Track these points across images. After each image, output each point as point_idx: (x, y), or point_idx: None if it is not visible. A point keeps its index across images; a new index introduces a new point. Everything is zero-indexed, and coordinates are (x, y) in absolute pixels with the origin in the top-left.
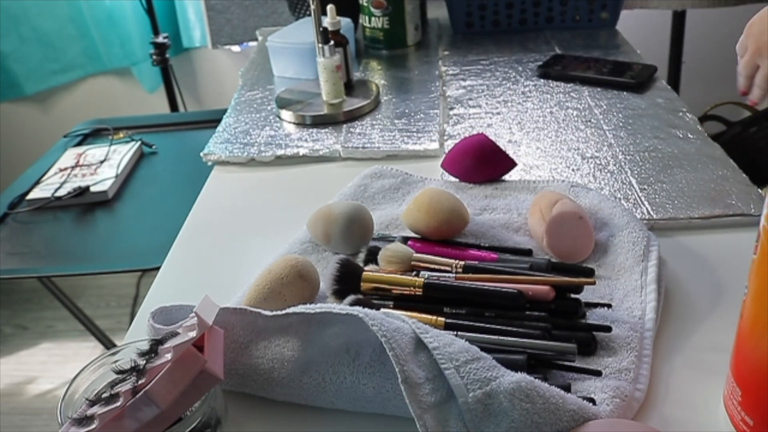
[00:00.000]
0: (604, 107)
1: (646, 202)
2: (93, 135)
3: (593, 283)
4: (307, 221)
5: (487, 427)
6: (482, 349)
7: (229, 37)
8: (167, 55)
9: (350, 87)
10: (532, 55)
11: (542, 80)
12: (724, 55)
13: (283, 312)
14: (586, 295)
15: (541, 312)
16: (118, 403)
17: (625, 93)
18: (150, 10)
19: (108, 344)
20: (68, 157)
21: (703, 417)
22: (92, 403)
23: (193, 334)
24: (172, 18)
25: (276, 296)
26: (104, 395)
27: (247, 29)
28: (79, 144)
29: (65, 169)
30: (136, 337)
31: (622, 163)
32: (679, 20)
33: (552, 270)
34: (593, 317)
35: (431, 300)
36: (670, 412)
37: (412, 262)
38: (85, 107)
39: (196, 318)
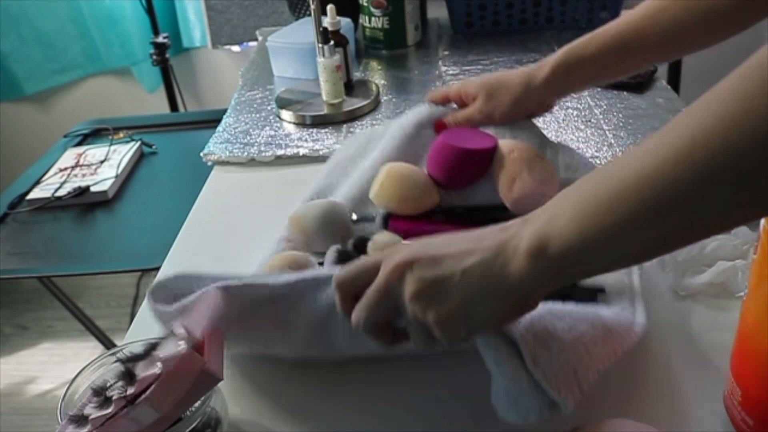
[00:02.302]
0: (604, 107)
1: None
2: (93, 135)
3: None
4: (286, 226)
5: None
6: None
7: (229, 37)
8: (167, 55)
9: (350, 87)
10: (532, 55)
11: None
12: (724, 55)
13: (284, 281)
14: None
15: None
16: (110, 409)
17: (625, 93)
18: (150, 10)
19: (108, 344)
20: (68, 157)
21: (703, 417)
22: (96, 392)
23: (182, 343)
24: (172, 18)
25: None
26: (104, 391)
27: (247, 29)
28: (79, 144)
29: (65, 169)
30: (136, 337)
31: None
32: None
33: None
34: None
35: None
36: (670, 412)
37: None
38: (85, 107)
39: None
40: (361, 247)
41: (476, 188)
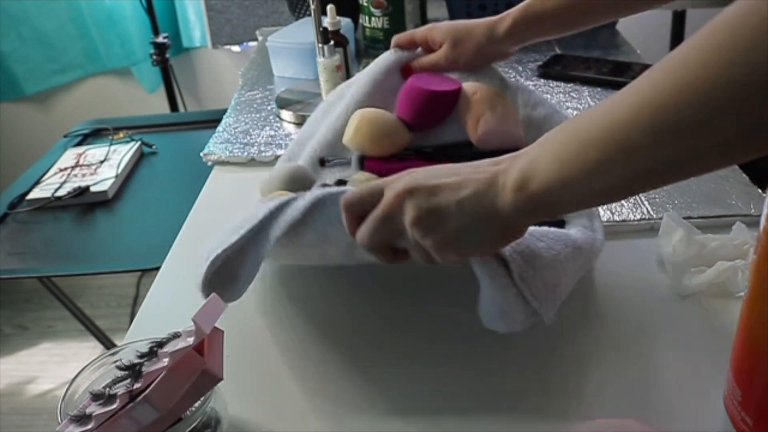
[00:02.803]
0: None
1: (646, 202)
2: (93, 135)
3: None
4: (260, 195)
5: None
6: None
7: (229, 37)
8: (167, 55)
9: None
10: (532, 55)
11: (542, 80)
12: None
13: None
14: None
15: None
16: (115, 405)
17: None
18: (150, 10)
19: (108, 344)
20: (68, 157)
21: (703, 417)
22: (96, 397)
23: (191, 340)
24: (172, 18)
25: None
26: (104, 394)
27: (247, 29)
28: (79, 144)
29: (65, 169)
30: (136, 337)
31: None
32: (679, 20)
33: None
34: None
35: None
36: (670, 412)
37: None
38: (85, 107)
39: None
40: (341, 185)
41: (444, 128)
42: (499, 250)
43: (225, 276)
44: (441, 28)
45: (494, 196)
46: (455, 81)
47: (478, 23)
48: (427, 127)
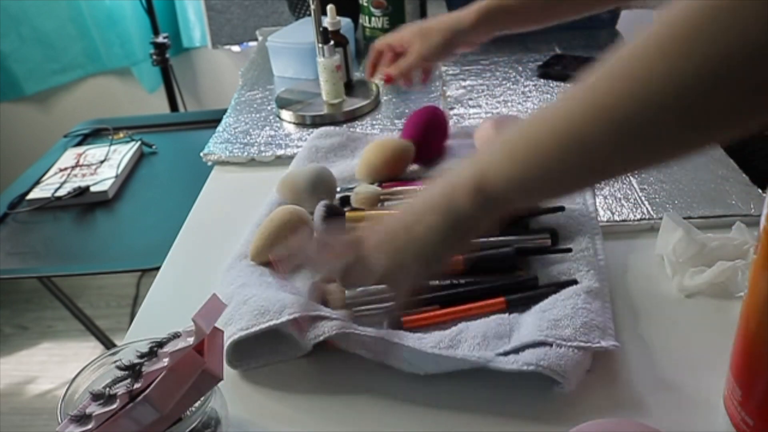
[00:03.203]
0: None
1: (646, 202)
2: (93, 135)
3: None
4: (276, 188)
5: None
6: (474, 248)
7: (229, 37)
8: (167, 55)
9: (350, 87)
10: (532, 55)
11: (542, 80)
12: None
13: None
14: None
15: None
16: (115, 405)
17: None
18: (150, 10)
19: (108, 344)
20: (68, 157)
21: (703, 417)
22: (96, 397)
23: (191, 340)
24: (172, 18)
25: (281, 240)
26: (104, 394)
27: (247, 29)
28: (79, 144)
29: (65, 169)
30: (136, 337)
31: None
32: None
33: None
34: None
35: None
36: (670, 412)
37: (381, 196)
38: (85, 107)
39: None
40: (345, 200)
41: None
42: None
43: (243, 349)
44: (410, 27)
45: (453, 203)
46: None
47: (445, 17)
48: (430, 144)
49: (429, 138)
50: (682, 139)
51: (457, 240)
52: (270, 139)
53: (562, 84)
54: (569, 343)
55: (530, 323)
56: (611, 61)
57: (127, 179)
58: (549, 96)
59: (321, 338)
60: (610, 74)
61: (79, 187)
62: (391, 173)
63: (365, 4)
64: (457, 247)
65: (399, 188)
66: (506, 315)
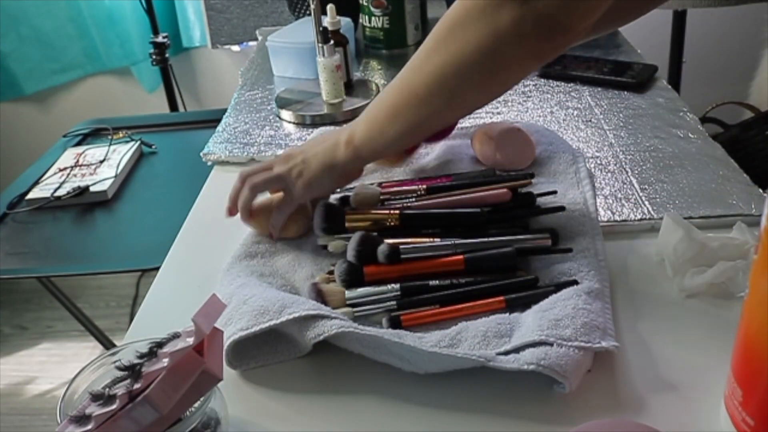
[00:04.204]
0: (605, 107)
1: (647, 202)
2: (92, 135)
3: (533, 177)
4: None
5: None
6: (475, 248)
7: (229, 37)
8: (167, 55)
9: (350, 87)
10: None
11: (542, 80)
12: (724, 55)
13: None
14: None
15: (501, 211)
16: (115, 405)
17: (625, 93)
18: (150, 10)
19: (108, 344)
20: (68, 157)
21: (703, 417)
22: (95, 397)
23: (191, 340)
24: (172, 18)
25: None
26: (103, 394)
27: (246, 29)
28: (79, 144)
29: (65, 169)
30: (136, 337)
31: (623, 163)
32: (679, 20)
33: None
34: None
35: (409, 227)
36: (670, 412)
37: (381, 196)
38: (85, 107)
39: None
40: (344, 199)
41: (460, 162)
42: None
43: (242, 349)
44: None
45: (335, 151)
46: None
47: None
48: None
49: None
50: (449, 108)
51: (336, 177)
52: (270, 139)
53: (563, 84)
54: (570, 343)
55: (531, 323)
56: (418, 52)
57: (126, 179)
58: (549, 96)
59: (321, 338)
60: (411, 64)
61: (79, 187)
62: (394, 158)
63: (365, 3)
64: (336, 182)
65: (399, 188)
66: (506, 314)
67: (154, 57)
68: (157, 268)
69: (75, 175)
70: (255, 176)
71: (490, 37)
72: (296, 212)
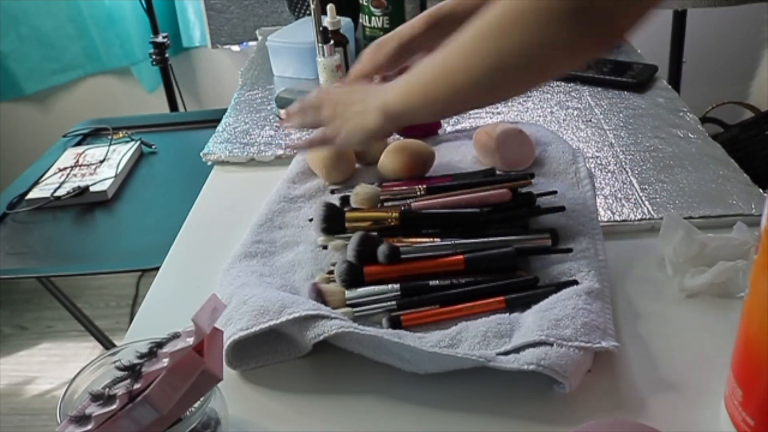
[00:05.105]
0: (605, 107)
1: (647, 202)
2: (92, 135)
3: (533, 177)
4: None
5: None
6: (475, 248)
7: (229, 37)
8: (167, 55)
9: None
10: None
11: None
12: (724, 55)
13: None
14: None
15: (501, 211)
16: (115, 405)
17: (625, 92)
18: (149, 10)
19: (107, 344)
20: (68, 157)
21: (703, 417)
22: (95, 397)
23: (191, 340)
24: (172, 17)
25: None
26: (103, 394)
27: (246, 29)
28: (79, 144)
29: (64, 168)
30: (135, 337)
31: (623, 163)
32: (679, 20)
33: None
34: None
35: (409, 227)
36: (670, 412)
37: (381, 196)
38: (85, 107)
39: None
40: (345, 200)
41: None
42: None
43: (242, 349)
44: (372, 43)
45: (365, 116)
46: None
47: (398, 27)
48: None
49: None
50: (491, 95)
51: (366, 139)
52: (270, 138)
53: (563, 84)
54: (570, 343)
55: (531, 323)
56: (461, 36)
57: (126, 179)
58: (549, 96)
59: (321, 338)
60: (455, 48)
61: (79, 187)
62: (411, 170)
63: (365, 3)
64: (372, 139)
65: (399, 188)
66: (506, 315)
67: (154, 57)
68: (157, 268)
69: (75, 175)
70: (308, 113)
71: (545, 35)
72: (338, 157)
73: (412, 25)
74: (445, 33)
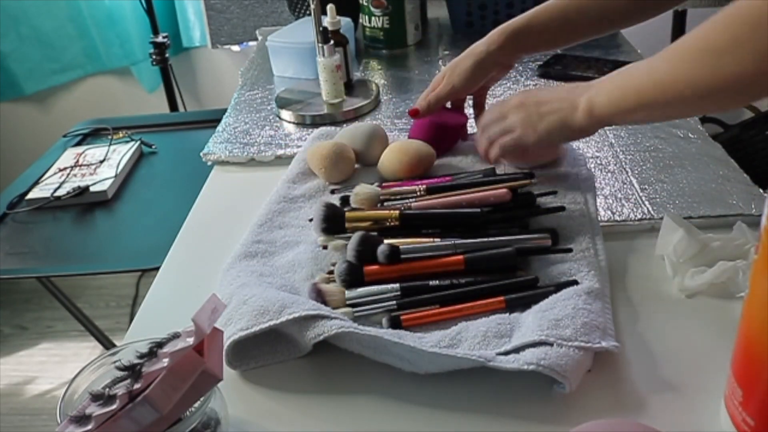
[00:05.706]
0: None
1: (647, 202)
2: (92, 135)
3: (533, 177)
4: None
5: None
6: (475, 248)
7: (229, 37)
8: (167, 55)
9: (350, 87)
10: (533, 54)
11: (542, 80)
12: None
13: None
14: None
15: (501, 211)
16: (115, 405)
17: None
18: (150, 10)
19: (107, 344)
20: (68, 157)
21: (703, 417)
22: (95, 397)
23: (191, 340)
24: (172, 17)
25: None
26: (103, 394)
27: (246, 29)
28: (79, 144)
29: (65, 168)
30: (135, 337)
31: (623, 163)
32: (679, 20)
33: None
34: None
35: (409, 227)
36: (670, 412)
37: (381, 196)
38: (85, 107)
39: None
40: (345, 200)
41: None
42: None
43: (242, 349)
44: (444, 67)
45: (573, 114)
46: (462, 115)
47: (473, 45)
48: (439, 145)
49: (438, 139)
50: (696, 110)
51: (568, 135)
52: (270, 138)
53: (562, 83)
54: (570, 343)
55: (531, 323)
56: (673, 49)
57: (126, 179)
58: None
59: (321, 338)
60: (667, 61)
61: (79, 187)
62: (412, 171)
63: (365, 3)
64: (568, 139)
65: (398, 188)
66: (506, 315)
67: (154, 57)
68: (157, 268)
69: (75, 175)
70: (492, 127)
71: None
72: (338, 157)
73: (488, 41)
74: (521, 48)
